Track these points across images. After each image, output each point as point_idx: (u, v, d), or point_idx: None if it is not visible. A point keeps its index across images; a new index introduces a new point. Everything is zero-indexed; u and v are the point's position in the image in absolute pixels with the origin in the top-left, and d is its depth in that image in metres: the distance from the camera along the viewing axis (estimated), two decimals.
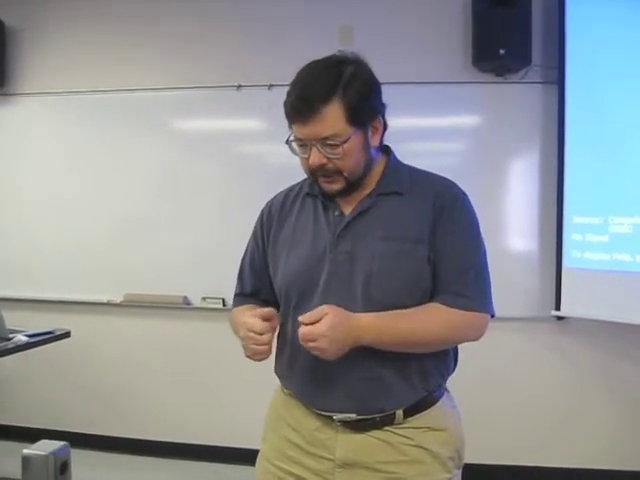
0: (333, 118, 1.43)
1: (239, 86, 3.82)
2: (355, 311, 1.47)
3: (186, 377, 3.95)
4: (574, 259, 3.39)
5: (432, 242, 1.51)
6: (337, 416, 1.53)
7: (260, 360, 1.51)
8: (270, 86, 3.62)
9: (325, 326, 1.38)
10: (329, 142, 1.45)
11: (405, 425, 1.53)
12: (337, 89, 1.43)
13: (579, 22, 3.36)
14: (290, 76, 1.50)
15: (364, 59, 1.52)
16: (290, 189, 1.73)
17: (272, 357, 1.61)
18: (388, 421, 1.52)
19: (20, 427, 4.00)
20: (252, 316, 1.49)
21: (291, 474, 1.60)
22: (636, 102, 3.20)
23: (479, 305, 1.52)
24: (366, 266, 1.50)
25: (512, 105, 3.63)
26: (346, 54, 1.51)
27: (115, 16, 3.97)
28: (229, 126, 3.99)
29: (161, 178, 3.94)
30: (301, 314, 1.52)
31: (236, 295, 1.79)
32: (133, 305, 3.95)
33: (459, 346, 1.63)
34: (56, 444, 1.27)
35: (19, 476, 1.27)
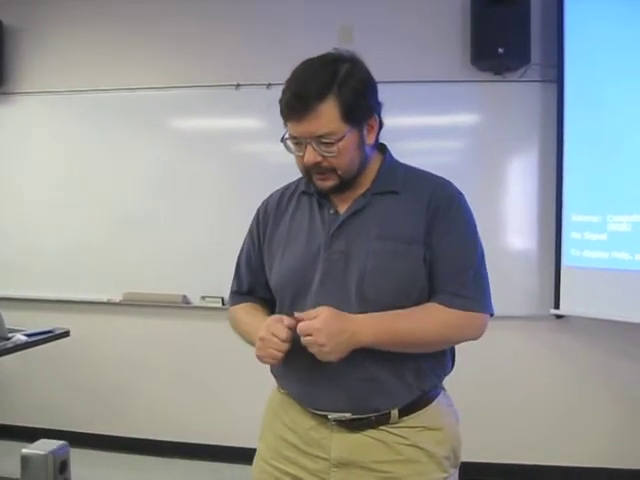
0: (328, 116, 1.43)
1: (238, 85, 3.82)
2: (349, 310, 1.47)
3: (185, 376, 3.95)
4: (573, 257, 3.39)
5: (428, 242, 1.50)
6: (332, 415, 1.53)
7: (269, 363, 1.52)
8: (269, 85, 3.62)
9: (320, 320, 1.39)
10: (324, 140, 1.45)
11: (400, 424, 1.53)
12: (332, 87, 1.43)
13: (578, 20, 3.36)
14: (289, 75, 1.50)
15: (360, 57, 1.52)
16: (286, 187, 1.72)
17: None
18: (383, 420, 1.52)
19: (19, 426, 4.00)
20: (277, 322, 1.47)
21: (287, 474, 1.59)
22: (635, 100, 3.20)
23: (478, 305, 1.52)
24: (360, 265, 1.50)
25: (511, 104, 3.63)
26: (342, 52, 1.51)
27: (114, 16, 3.98)
28: (228, 125, 3.99)
29: (160, 177, 3.95)
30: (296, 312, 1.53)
31: (233, 293, 1.79)
32: (132, 304, 3.96)
33: (457, 345, 1.62)
34: (55, 443, 1.27)
35: (18, 475, 1.26)
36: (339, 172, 1.49)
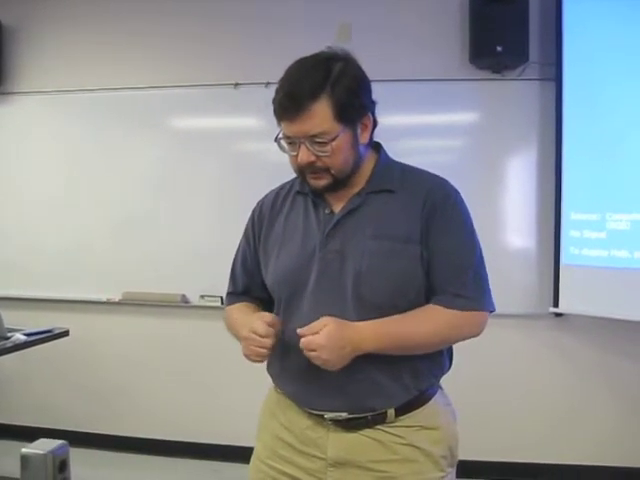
0: (321, 115, 1.42)
1: (237, 84, 3.82)
2: (346, 310, 1.48)
3: (185, 375, 3.95)
4: (572, 256, 3.39)
5: (425, 241, 1.50)
6: (328, 415, 1.53)
7: (257, 362, 1.52)
8: (268, 84, 3.61)
9: (324, 337, 1.39)
10: (317, 140, 1.44)
11: (397, 424, 1.53)
12: (325, 86, 1.42)
13: (576, 18, 3.36)
14: (282, 75, 1.50)
15: (353, 56, 1.51)
16: (281, 187, 1.72)
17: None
18: (380, 420, 1.52)
19: (18, 426, 4.00)
20: (258, 319, 1.49)
21: (284, 473, 1.59)
22: (634, 99, 3.21)
23: (478, 304, 1.52)
24: (356, 265, 1.49)
25: (509, 102, 3.63)
26: (335, 50, 1.50)
27: (113, 15, 3.97)
28: (227, 124, 3.99)
29: (160, 176, 3.95)
30: (292, 313, 1.54)
31: (229, 294, 1.80)
32: (132, 304, 3.96)
33: (456, 344, 1.62)
34: (55, 443, 1.27)
35: (18, 475, 1.27)
36: (333, 172, 1.49)
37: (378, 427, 1.53)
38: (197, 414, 3.95)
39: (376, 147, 1.62)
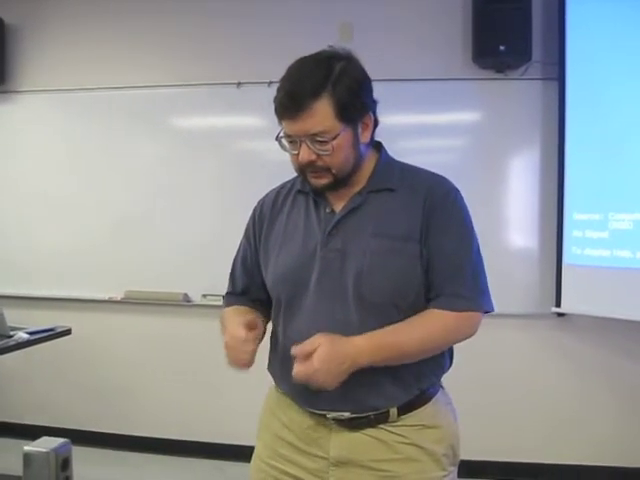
0: (322, 114, 1.42)
1: (239, 83, 3.82)
2: (347, 310, 1.48)
3: (187, 374, 3.95)
4: (574, 255, 3.39)
5: (425, 240, 1.50)
6: (331, 414, 1.52)
7: (241, 369, 1.50)
8: (270, 83, 3.61)
9: (317, 362, 1.36)
10: (318, 138, 1.44)
11: (399, 423, 1.53)
12: (327, 85, 1.42)
13: (579, 18, 3.36)
14: (283, 74, 1.50)
15: (355, 55, 1.51)
16: (282, 187, 1.72)
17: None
18: (382, 419, 1.52)
19: (21, 424, 4.01)
20: (237, 324, 1.49)
21: (285, 473, 1.59)
22: (637, 99, 3.20)
23: (475, 305, 1.51)
24: (357, 264, 1.49)
25: (512, 101, 3.62)
26: (337, 50, 1.50)
27: (115, 13, 3.98)
28: (229, 123, 3.99)
29: (161, 175, 3.95)
30: (293, 312, 1.54)
31: (227, 294, 1.79)
32: (133, 302, 3.96)
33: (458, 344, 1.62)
34: (57, 441, 1.27)
35: (20, 473, 1.27)
36: (333, 171, 1.49)
37: (381, 426, 1.52)
38: (199, 413, 3.95)
39: (377, 146, 1.62)
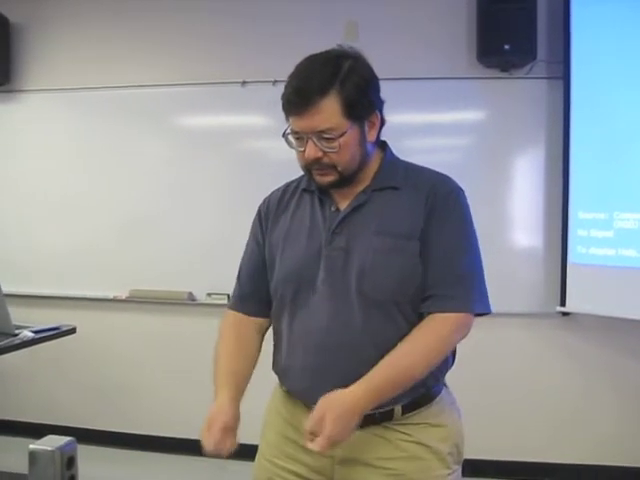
0: (330, 111, 1.43)
1: (244, 82, 3.82)
2: (351, 308, 1.48)
3: (191, 373, 3.93)
4: (579, 255, 3.38)
5: (424, 238, 1.50)
6: None
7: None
8: (275, 82, 3.62)
9: (328, 431, 1.36)
10: (325, 136, 1.45)
11: (404, 421, 1.53)
12: (335, 83, 1.43)
13: (585, 18, 3.35)
14: (292, 71, 1.50)
15: (363, 54, 1.51)
16: (287, 185, 1.72)
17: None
18: (387, 417, 1.52)
19: (26, 423, 4.02)
20: (217, 430, 1.58)
21: (290, 471, 1.60)
22: None
23: (466, 306, 1.50)
24: (360, 261, 1.50)
25: (517, 100, 3.62)
26: (345, 48, 1.51)
27: (119, 12, 3.98)
28: (234, 122, 3.99)
29: (166, 174, 3.95)
30: (297, 311, 1.54)
31: (234, 296, 1.76)
32: (138, 301, 3.97)
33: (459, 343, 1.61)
34: (62, 439, 1.27)
35: (25, 471, 1.27)
36: (339, 168, 1.49)
37: (385, 425, 1.52)
38: (203, 411, 3.93)
39: (382, 145, 1.62)
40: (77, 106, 4.04)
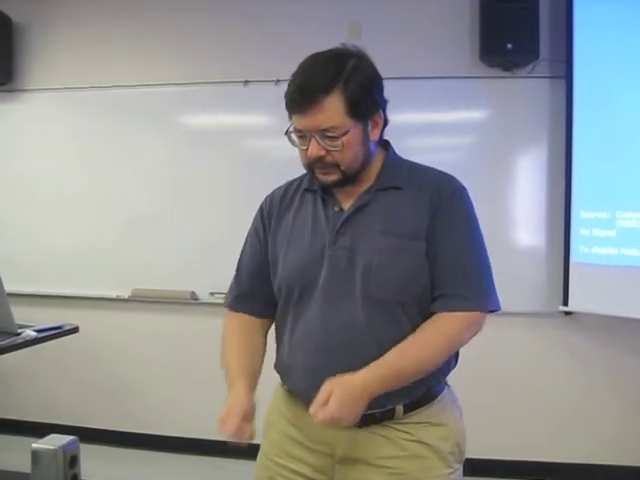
0: (333, 110, 1.43)
1: (246, 82, 3.82)
2: (355, 308, 1.48)
3: (193, 372, 3.95)
4: (582, 254, 3.38)
5: (430, 238, 1.50)
6: None
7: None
8: (277, 81, 3.62)
9: (336, 408, 1.36)
10: (328, 134, 1.44)
11: (405, 420, 1.53)
12: (338, 81, 1.43)
13: (587, 17, 3.34)
14: (295, 69, 1.50)
15: (367, 53, 1.51)
16: (289, 184, 1.71)
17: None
18: (388, 416, 1.52)
19: (29, 422, 4.03)
20: (236, 414, 1.49)
21: (291, 470, 1.59)
22: None
23: (479, 305, 1.51)
24: (365, 261, 1.49)
25: (519, 100, 3.61)
26: (349, 47, 1.51)
27: (122, 12, 3.98)
28: (236, 122, 3.99)
29: (168, 174, 3.95)
30: (300, 311, 1.54)
31: (235, 297, 1.73)
32: (141, 300, 3.97)
33: None
34: (65, 438, 1.28)
35: (28, 470, 1.28)
36: (342, 167, 1.49)
37: (386, 424, 1.53)
38: (205, 411, 3.92)
39: (385, 145, 1.62)
40: (79, 106, 4.04)
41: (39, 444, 1.26)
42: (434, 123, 3.77)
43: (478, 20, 3.52)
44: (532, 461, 3.62)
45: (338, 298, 1.50)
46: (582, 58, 3.36)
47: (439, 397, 1.58)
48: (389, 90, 1.55)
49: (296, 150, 1.54)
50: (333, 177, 1.51)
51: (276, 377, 1.70)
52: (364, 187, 1.56)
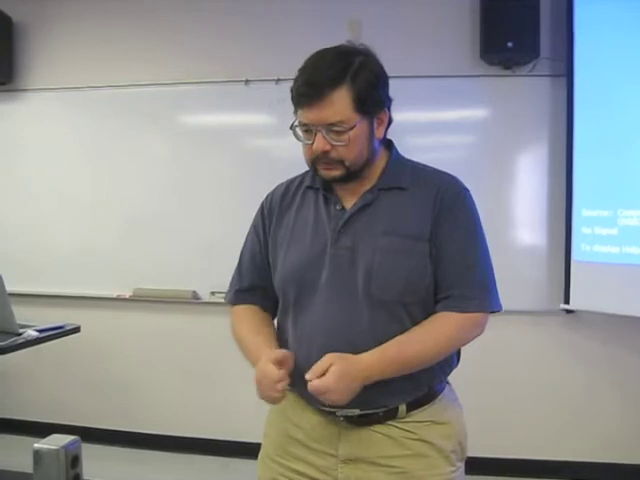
0: (340, 104, 1.43)
1: (247, 81, 3.82)
2: (357, 308, 1.48)
3: (195, 371, 3.96)
4: (583, 252, 3.38)
5: (434, 240, 1.50)
6: (340, 412, 1.52)
7: (273, 404, 1.52)
8: (278, 80, 3.62)
9: (332, 380, 1.38)
10: (335, 128, 1.44)
11: (408, 419, 1.53)
12: (346, 76, 1.43)
13: (587, 15, 3.34)
14: (302, 64, 1.50)
15: (373, 51, 1.52)
16: (291, 181, 1.71)
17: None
18: (391, 416, 1.53)
19: (31, 422, 4.03)
20: (266, 360, 1.47)
21: (294, 470, 1.59)
22: None
23: (483, 306, 1.52)
24: (367, 261, 1.49)
25: (520, 98, 3.61)
26: (355, 45, 1.51)
27: (123, 11, 3.98)
28: (237, 121, 3.99)
29: (170, 173, 3.95)
30: (301, 310, 1.54)
31: (236, 291, 1.74)
32: (142, 300, 3.97)
33: None
34: (67, 438, 1.28)
35: (29, 470, 1.28)
36: (346, 163, 1.49)
37: (389, 423, 1.53)
38: (207, 410, 3.96)
39: (388, 145, 1.62)
40: (80, 105, 4.04)
41: (41, 444, 1.26)
42: (434, 122, 3.77)
43: (479, 18, 3.52)
44: (533, 459, 3.62)
45: (339, 298, 1.50)
46: (582, 56, 3.36)
47: (440, 396, 1.59)
48: (390, 89, 1.55)
49: (298, 149, 1.54)
50: (336, 172, 1.51)
51: None
52: (366, 186, 1.56)
